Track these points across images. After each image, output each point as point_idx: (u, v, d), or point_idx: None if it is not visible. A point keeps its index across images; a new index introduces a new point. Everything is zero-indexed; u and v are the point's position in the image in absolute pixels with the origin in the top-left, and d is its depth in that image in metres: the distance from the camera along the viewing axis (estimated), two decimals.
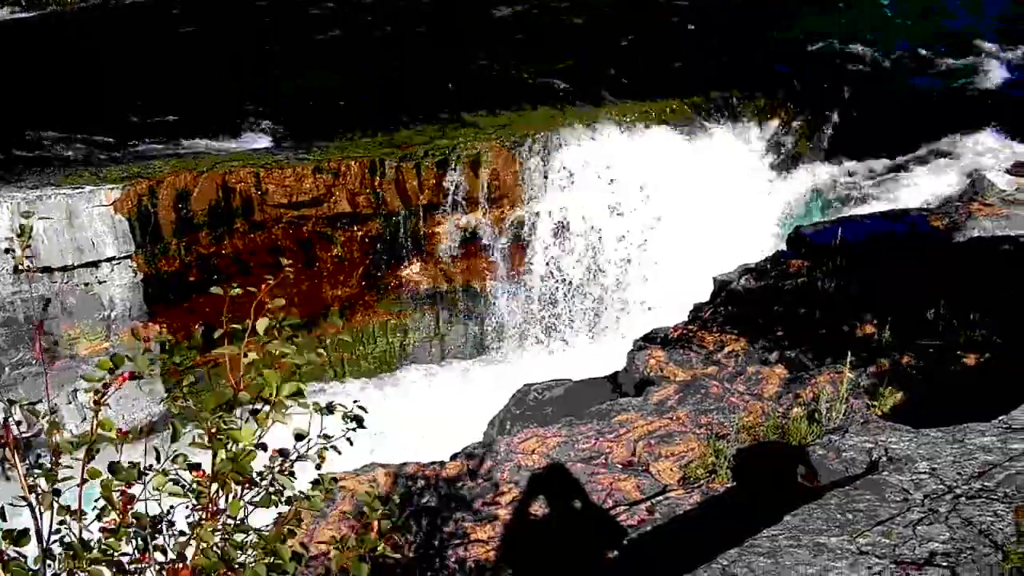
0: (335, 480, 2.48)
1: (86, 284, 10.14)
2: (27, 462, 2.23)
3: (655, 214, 12.44)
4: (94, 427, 2.13)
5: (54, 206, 9.73)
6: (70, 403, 9.91)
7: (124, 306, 10.40)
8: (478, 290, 12.43)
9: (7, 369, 9.86)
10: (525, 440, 5.75)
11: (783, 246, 9.20)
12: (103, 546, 2.20)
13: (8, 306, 9.72)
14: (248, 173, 10.84)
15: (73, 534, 2.24)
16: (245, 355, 2.18)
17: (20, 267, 2.40)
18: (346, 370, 12.07)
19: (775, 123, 13.37)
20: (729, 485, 4.92)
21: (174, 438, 2.21)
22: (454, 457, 5.99)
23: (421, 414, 10.62)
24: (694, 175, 12.27)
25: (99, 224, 10.00)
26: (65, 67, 14.08)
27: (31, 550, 2.22)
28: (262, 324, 2.18)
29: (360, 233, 11.62)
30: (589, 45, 15.65)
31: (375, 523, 2.42)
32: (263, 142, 12.20)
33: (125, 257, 10.25)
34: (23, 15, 16.87)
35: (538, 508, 5.12)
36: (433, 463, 5.82)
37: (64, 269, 9.94)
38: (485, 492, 5.33)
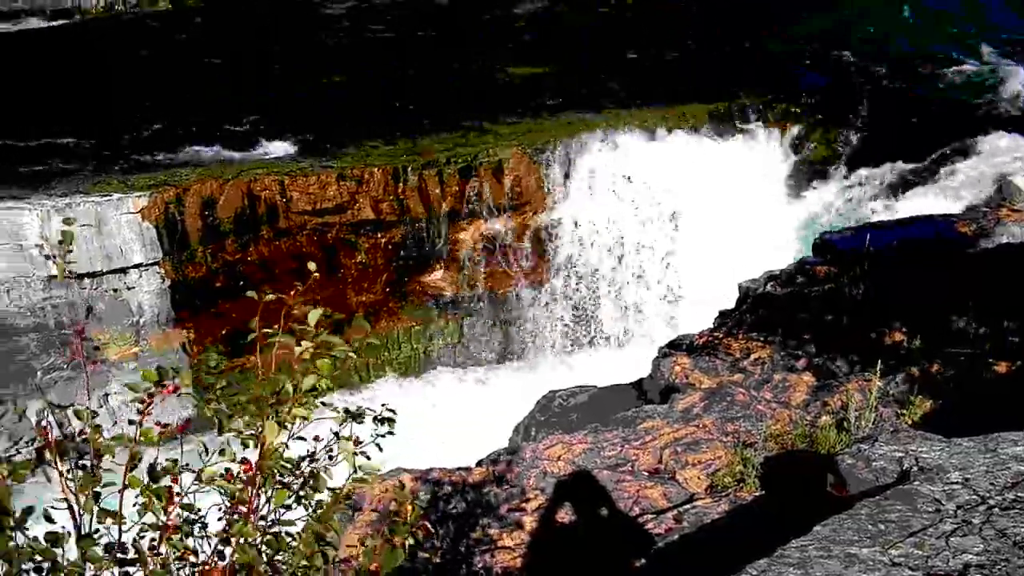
0: (367, 475, 2.47)
1: (115, 290, 10.28)
2: (68, 465, 2.27)
3: (676, 220, 12.41)
4: (137, 436, 2.17)
5: (83, 213, 9.88)
6: (101, 407, 10.03)
7: (152, 312, 10.53)
8: (502, 296, 12.45)
9: (39, 374, 10.01)
10: (551, 447, 5.75)
11: (808, 253, 9.14)
12: (150, 545, 2.24)
13: (39, 312, 9.87)
14: (273, 181, 10.95)
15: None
16: (299, 343, 2.25)
17: (63, 274, 2.44)
18: (371, 375, 12.14)
19: (796, 129, 13.30)
20: (757, 494, 4.89)
21: (220, 431, 2.27)
22: (480, 463, 6.00)
23: (446, 420, 10.65)
24: (715, 181, 12.23)
25: (127, 231, 10.14)
26: (91, 76, 14.29)
27: (71, 554, 2.25)
28: (314, 315, 2.24)
29: (384, 240, 11.69)
30: (609, 52, 15.66)
31: (407, 508, 2.42)
32: (287, 150, 12.32)
33: (153, 264, 10.39)
34: (49, 24, 17.15)
35: (564, 515, 5.12)
36: (459, 469, 5.83)
37: (93, 275, 10.08)
38: (511, 498, 5.34)
